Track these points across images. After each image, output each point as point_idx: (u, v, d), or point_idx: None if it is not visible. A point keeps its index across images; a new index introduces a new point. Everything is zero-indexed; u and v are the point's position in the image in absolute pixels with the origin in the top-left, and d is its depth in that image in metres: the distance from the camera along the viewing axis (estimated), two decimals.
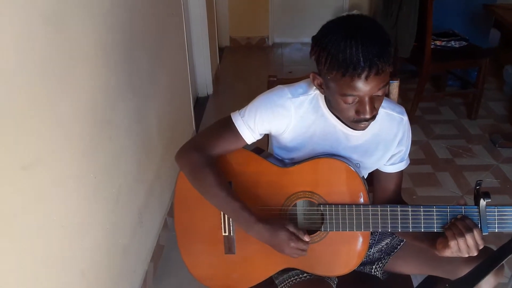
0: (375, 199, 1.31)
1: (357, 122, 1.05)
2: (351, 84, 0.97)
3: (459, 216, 1.07)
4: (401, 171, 1.26)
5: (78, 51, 1.27)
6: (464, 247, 1.03)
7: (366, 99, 1.00)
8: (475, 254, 1.04)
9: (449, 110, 3.39)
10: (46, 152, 1.11)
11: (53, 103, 1.13)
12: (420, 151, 2.85)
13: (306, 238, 1.10)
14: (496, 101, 3.49)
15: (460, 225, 1.04)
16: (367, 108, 1.01)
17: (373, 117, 1.04)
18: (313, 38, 1.04)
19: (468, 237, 1.02)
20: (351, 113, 1.04)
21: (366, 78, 0.95)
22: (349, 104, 1.02)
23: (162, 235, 2.08)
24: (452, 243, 1.03)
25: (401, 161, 1.23)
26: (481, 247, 1.04)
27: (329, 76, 1.00)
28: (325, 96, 1.12)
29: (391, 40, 0.99)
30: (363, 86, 0.97)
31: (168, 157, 2.21)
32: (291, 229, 1.10)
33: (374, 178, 1.28)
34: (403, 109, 1.20)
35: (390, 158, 1.22)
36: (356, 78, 0.95)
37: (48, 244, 1.14)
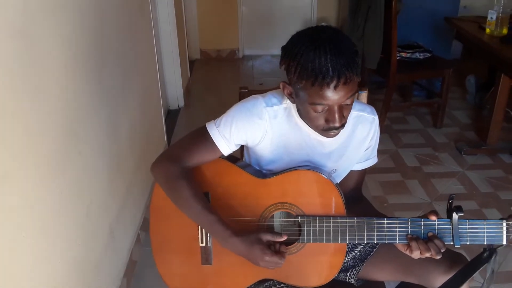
0: None
1: (327, 130, 1.07)
2: (320, 93, 0.99)
3: (429, 234, 1.09)
4: (364, 169, 1.29)
5: (47, 64, 1.25)
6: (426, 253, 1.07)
7: (335, 108, 1.02)
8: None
9: (416, 120, 3.49)
10: (13, 167, 1.08)
11: (20, 117, 1.11)
12: (389, 160, 2.91)
13: (284, 236, 1.11)
14: (460, 110, 3.61)
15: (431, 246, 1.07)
16: (336, 116, 1.03)
17: (342, 125, 1.06)
18: (283, 48, 1.06)
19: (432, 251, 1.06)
20: (321, 121, 1.06)
21: (335, 87, 0.98)
22: (319, 112, 1.04)
23: (134, 251, 2.04)
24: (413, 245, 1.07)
25: (366, 159, 1.27)
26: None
27: (298, 85, 1.02)
28: (296, 105, 1.13)
29: (358, 51, 1.02)
30: (332, 95, 0.99)
31: (140, 171, 2.18)
32: (269, 237, 1.11)
33: None
34: (373, 109, 1.24)
35: None
36: (325, 87, 0.98)
37: (18, 262, 1.10)
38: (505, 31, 2.78)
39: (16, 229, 1.09)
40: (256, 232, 1.12)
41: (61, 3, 1.35)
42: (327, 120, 1.05)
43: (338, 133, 1.10)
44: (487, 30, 2.84)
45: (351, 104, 1.06)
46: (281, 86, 1.10)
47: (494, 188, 2.62)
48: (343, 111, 1.05)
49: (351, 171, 1.28)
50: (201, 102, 3.93)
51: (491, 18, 2.79)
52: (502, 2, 2.74)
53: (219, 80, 4.47)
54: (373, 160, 1.29)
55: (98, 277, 1.62)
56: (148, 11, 2.62)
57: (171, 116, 3.58)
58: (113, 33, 1.89)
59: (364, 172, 1.30)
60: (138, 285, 1.96)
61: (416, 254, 1.08)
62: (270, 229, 1.19)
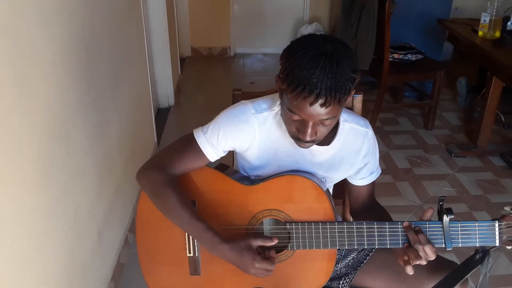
0: (350, 207, 1.33)
1: (297, 140, 1.05)
2: (295, 103, 0.96)
3: (416, 228, 1.08)
4: (371, 182, 1.27)
5: (34, 63, 1.21)
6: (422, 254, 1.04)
7: (309, 123, 0.99)
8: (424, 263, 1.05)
9: (407, 121, 3.49)
10: None
11: (7, 118, 1.07)
12: (381, 162, 2.87)
13: (275, 240, 1.09)
14: (450, 111, 3.63)
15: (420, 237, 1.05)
16: (308, 131, 1.00)
17: (312, 141, 1.04)
18: (291, 42, 1.02)
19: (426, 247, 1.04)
20: (293, 128, 1.04)
21: (310, 104, 0.95)
22: (294, 120, 1.01)
23: (122, 253, 2.00)
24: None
25: (370, 173, 1.24)
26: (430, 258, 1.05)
27: (283, 86, 0.99)
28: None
29: (355, 78, 0.98)
30: (306, 110, 0.96)
31: (129, 172, 2.15)
32: (259, 242, 1.08)
33: (346, 189, 1.29)
34: (367, 122, 1.21)
35: (358, 173, 1.23)
36: (301, 100, 0.95)
37: (3, 267, 1.07)
38: (497, 34, 2.78)
39: (2, 235, 1.05)
40: (246, 238, 1.10)
41: (49, 2, 1.31)
42: (298, 130, 1.03)
43: (309, 147, 1.08)
44: (480, 33, 2.84)
45: (329, 126, 1.03)
46: (275, 79, 1.07)
47: (484, 190, 2.63)
48: (317, 128, 1.01)
49: (360, 187, 1.26)
50: (191, 100, 3.90)
51: (484, 20, 2.79)
52: (496, 5, 2.74)
53: (210, 78, 4.43)
54: (377, 173, 1.27)
55: (85, 281, 1.58)
56: (139, 8, 2.57)
57: (161, 114, 3.53)
58: (103, 31, 1.85)
59: (373, 184, 1.28)
60: None
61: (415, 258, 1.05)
62: (260, 234, 1.17)
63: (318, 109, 0.95)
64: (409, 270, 1.05)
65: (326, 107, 0.95)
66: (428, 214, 1.09)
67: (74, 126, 1.49)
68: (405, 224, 1.08)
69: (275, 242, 1.10)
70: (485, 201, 2.54)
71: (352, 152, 1.19)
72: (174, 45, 3.80)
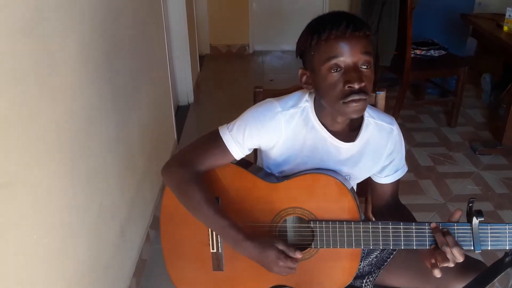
0: (372, 206, 1.31)
1: (348, 97, 1.00)
2: (332, 44, 1.00)
3: (444, 230, 1.04)
4: (396, 180, 1.25)
5: (58, 63, 1.22)
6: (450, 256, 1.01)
7: (351, 63, 1.00)
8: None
9: (429, 118, 3.43)
10: (25, 168, 1.05)
11: (32, 117, 1.08)
12: None
13: (298, 255, 1.07)
14: (474, 108, 3.55)
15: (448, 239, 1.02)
16: (355, 74, 0.99)
17: (362, 91, 1.00)
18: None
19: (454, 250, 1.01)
20: (339, 87, 1.01)
21: (345, 34, 0.98)
22: (335, 74, 1.01)
23: (144, 249, 2.02)
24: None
25: (395, 171, 1.22)
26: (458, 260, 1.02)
27: (312, 51, 1.03)
28: (314, 99, 1.11)
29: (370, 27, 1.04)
30: (344, 45, 0.99)
31: (150, 168, 2.16)
32: (281, 247, 1.07)
33: (370, 187, 1.27)
34: (393, 119, 1.19)
35: (383, 170, 1.21)
36: (336, 34, 0.99)
37: (30, 264, 1.09)
38: None
39: (26, 231, 1.07)
40: (270, 238, 1.09)
41: (72, 1, 1.32)
42: (346, 83, 1.00)
43: (360, 106, 1.02)
44: (505, 28, 2.78)
45: (370, 72, 1.02)
46: (299, 74, 1.10)
47: (510, 189, 2.57)
48: (362, 74, 1.01)
49: (384, 185, 1.24)
50: (211, 98, 3.90)
51: (510, 15, 2.73)
52: None
53: (229, 75, 4.43)
54: (403, 170, 1.24)
55: (107, 277, 1.60)
56: (160, 6, 2.59)
57: (181, 112, 3.55)
58: (124, 30, 1.86)
59: (397, 182, 1.25)
60: (148, 284, 1.94)
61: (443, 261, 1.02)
62: (282, 236, 1.16)
63: (354, 38, 0.99)
64: (437, 273, 1.02)
65: (360, 34, 0.99)
66: (457, 216, 1.05)
67: (96, 124, 1.51)
68: (433, 225, 1.05)
69: (299, 256, 1.07)
70: (511, 200, 2.48)
71: (377, 149, 1.17)
72: (193, 43, 3.82)
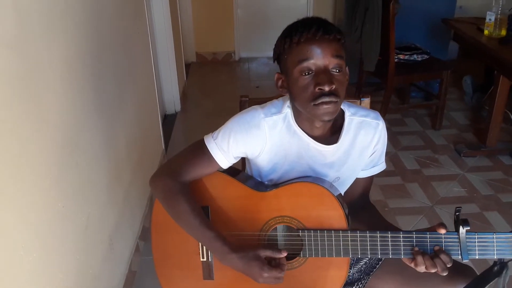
0: None
1: (318, 99, 1.02)
2: (303, 46, 1.02)
3: (436, 248, 1.04)
4: (370, 176, 1.26)
5: (43, 74, 1.21)
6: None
7: (322, 65, 1.02)
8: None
9: (414, 121, 3.47)
10: (9, 181, 1.04)
11: (17, 128, 1.07)
12: (389, 163, 2.89)
13: (284, 253, 1.09)
14: (458, 111, 3.60)
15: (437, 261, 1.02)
16: (324, 78, 1.01)
17: (332, 93, 1.02)
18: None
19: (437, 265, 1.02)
20: (310, 90, 1.03)
21: (316, 37, 1.01)
22: (306, 77, 1.03)
23: (134, 261, 2.00)
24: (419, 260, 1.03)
25: (373, 166, 1.23)
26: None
27: (285, 54, 1.06)
28: (290, 101, 1.12)
29: (342, 32, 1.06)
30: (315, 48, 1.01)
31: (138, 178, 2.15)
32: (265, 253, 1.08)
33: None
34: (378, 114, 1.20)
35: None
36: (306, 36, 1.01)
37: (17, 276, 1.07)
38: (503, 32, 2.77)
39: (13, 245, 1.06)
40: (255, 249, 1.10)
41: (56, 14, 1.32)
42: (316, 85, 1.02)
43: (330, 109, 1.03)
44: (486, 32, 2.83)
45: (341, 76, 1.04)
46: (275, 78, 1.13)
47: (495, 190, 2.61)
48: (332, 78, 1.02)
49: (358, 179, 1.25)
50: (198, 106, 3.90)
51: (490, 19, 2.78)
52: (500, 3, 2.72)
53: (216, 83, 4.44)
54: (380, 167, 1.25)
55: None
56: (144, 15, 2.58)
57: (168, 121, 3.54)
58: (109, 40, 1.86)
59: (371, 179, 1.27)
60: None
61: (421, 269, 1.04)
62: (271, 245, 1.16)
63: (325, 42, 1.01)
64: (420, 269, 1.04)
65: (331, 38, 1.02)
66: (442, 231, 1.05)
67: (83, 135, 1.50)
68: (415, 249, 1.05)
69: (284, 254, 1.09)
70: (496, 201, 2.52)
71: (364, 145, 1.18)
72: (179, 51, 3.82)
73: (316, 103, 1.03)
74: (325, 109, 1.03)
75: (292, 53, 1.05)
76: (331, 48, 1.02)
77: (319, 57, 1.02)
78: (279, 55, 1.11)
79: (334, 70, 1.03)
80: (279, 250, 1.10)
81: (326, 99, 1.02)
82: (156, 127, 2.81)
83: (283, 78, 1.11)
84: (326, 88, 1.01)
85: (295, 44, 1.03)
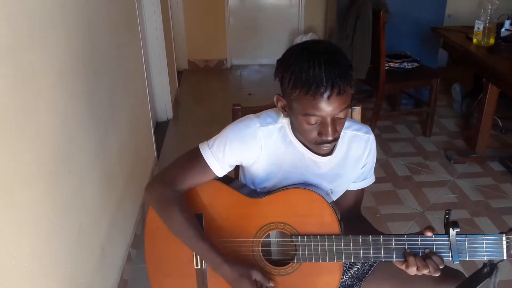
0: None
1: (319, 144, 1.06)
2: (313, 103, 0.98)
3: (426, 251, 1.06)
4: (362, 189, 1.27)
5: (35, 83, 1.21)
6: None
7: (328, 120, 1.01)
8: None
9: (405, 128, 3.51)
10: (0, 190, 1.04)
11: (8, 138, 1.07)
12: (380, 169, 2.91)
13: (271, 284, 1.12)
14: (448, 118, 3.64)
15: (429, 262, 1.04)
16: (329, 129, 1.02)
17: (335, 139, 1.05)
18: (278, 60, 1.06)
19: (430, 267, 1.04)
20: (314, 135, 1.05)
21: (328, 97, 0.97)
22: (312, 125, 1.03)
23: (125, 269, 1.99)
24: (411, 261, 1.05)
25: (363, 179, 1.25)
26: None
27: (292, 95, 1.01)
28: (290, 120, 1.12)
29: (352, 65, 1.02)
30: (325, 106, 0.98)
31: (130, 186, 2.15)
32: (257, 277, 1.10)
33: None
34: (369, 129, 1.23)
35: None
36: (319, 97, 0.97)
37: (9, 286, 1.07)
38: (492, 41, 2.81)
39: (5, 255, 1.05)
40: (248, 267, 1.11)
41: (48, 23, 1.32)
42: (320, 133, 1.04)
43: (330, 148, 1.09)
44: (474, 40, 2.87)
45: (345, 118, 1.05)
46: (275, 99, 1.10)
47: (485, 196, 2.64)
48: (336, 125, 1.04)
49: (349, 191, 1.27)
50: (190, 113, 3.90)
51: (478, 28, 2.82)
52: (489, 12, 2.77)
53: (208, 90, 4.45)
54: (370, 180, 1.28)
55: None
56: (136, 23, 2.59)
57: (160, 128, 3.54)
58: (101, 49, 1.86)
59: (362, 192, 1.29)
60: None
61: (412, 270, 1.05)
62: (263, 270, 1.16)
63: (336, 100, 0.98)
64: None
65: (342, 95, 0.98)
66: (429, 234, 1.07)
67: (75, 144, 1.50)
68: (407, 251, 1.07)
69: (272, 285, 1.12)
70: (486, 207, 2.55)
71: (356, 158, 1.20)
72: (171, 59, 3.82)
73: (317, 143, 1.06)
74: (325, 150, 1.09)
75: (301, 101, 1.00)
76: (341, 102, 1.00)
77: (328, 112, 1.00)
78: (282, 85, 1.05)
79: (339, 117, 1.03)
80: (269, 280, 1.12)
81: (328, 145, 1.06)
82: (148, 134, 2.81)
83: (284, 102, 1.08)
84: (330, 139, 1.04)
85: (304, 95, 0.98)
